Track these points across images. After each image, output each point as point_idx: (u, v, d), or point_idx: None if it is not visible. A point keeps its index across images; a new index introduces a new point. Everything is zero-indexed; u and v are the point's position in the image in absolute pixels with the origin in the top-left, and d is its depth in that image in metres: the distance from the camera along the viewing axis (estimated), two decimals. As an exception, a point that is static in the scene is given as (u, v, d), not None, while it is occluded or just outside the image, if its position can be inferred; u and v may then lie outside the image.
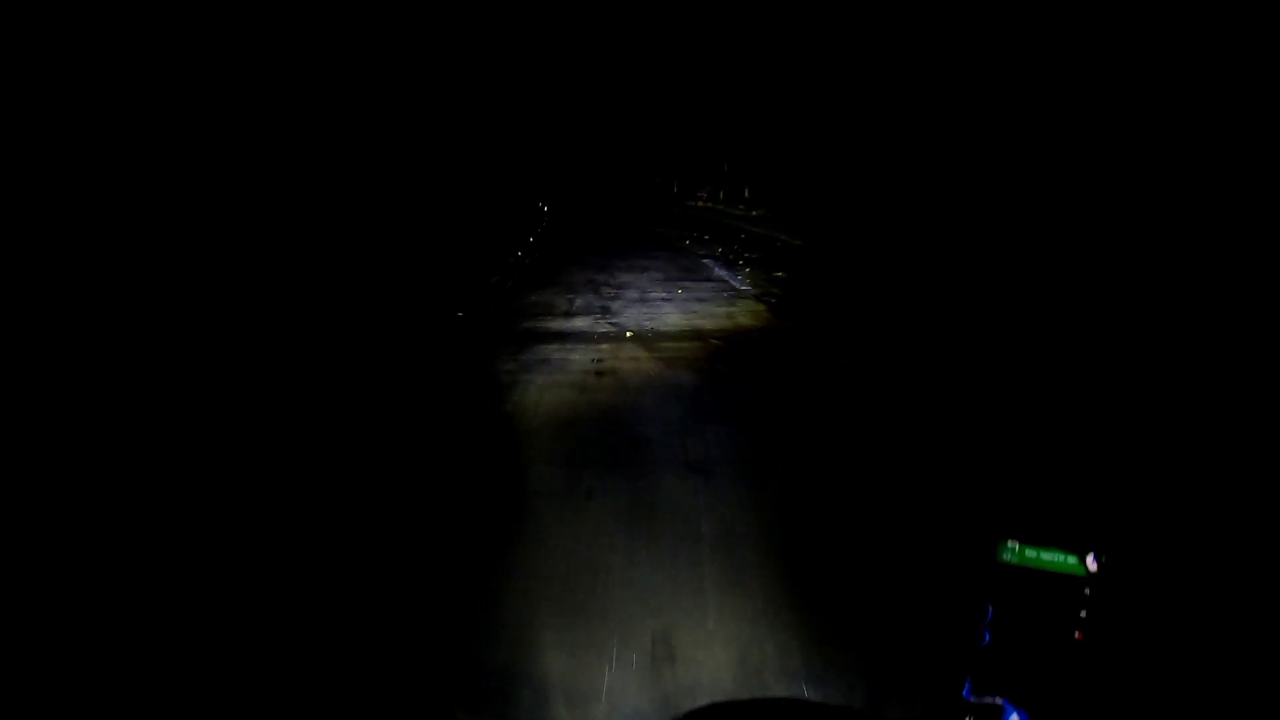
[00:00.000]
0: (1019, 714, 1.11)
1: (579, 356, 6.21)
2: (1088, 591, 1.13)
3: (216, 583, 2.89)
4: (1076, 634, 1.12)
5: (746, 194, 25.27)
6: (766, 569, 2.79)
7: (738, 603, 2.51)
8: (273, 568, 3.00)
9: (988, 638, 1.09)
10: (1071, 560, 1.12)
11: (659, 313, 8.17)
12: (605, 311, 8.22)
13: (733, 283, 10.31)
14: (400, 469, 3.97)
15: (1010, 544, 1.11)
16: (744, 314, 8.15)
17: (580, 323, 7.65)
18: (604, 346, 6.58)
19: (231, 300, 8.01)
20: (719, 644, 2.24)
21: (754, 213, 22.22)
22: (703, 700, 1.85)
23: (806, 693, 1.81)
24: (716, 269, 11.68)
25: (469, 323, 7.79)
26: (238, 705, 2.24)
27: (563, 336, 7.01)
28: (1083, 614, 1.12)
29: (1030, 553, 1.11)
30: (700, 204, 27.80)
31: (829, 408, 5.12)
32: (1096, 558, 1.13)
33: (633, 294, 9.30)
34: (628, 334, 7.11)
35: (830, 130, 18.73)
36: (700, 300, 8.90)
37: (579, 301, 8.85)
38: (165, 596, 2.86)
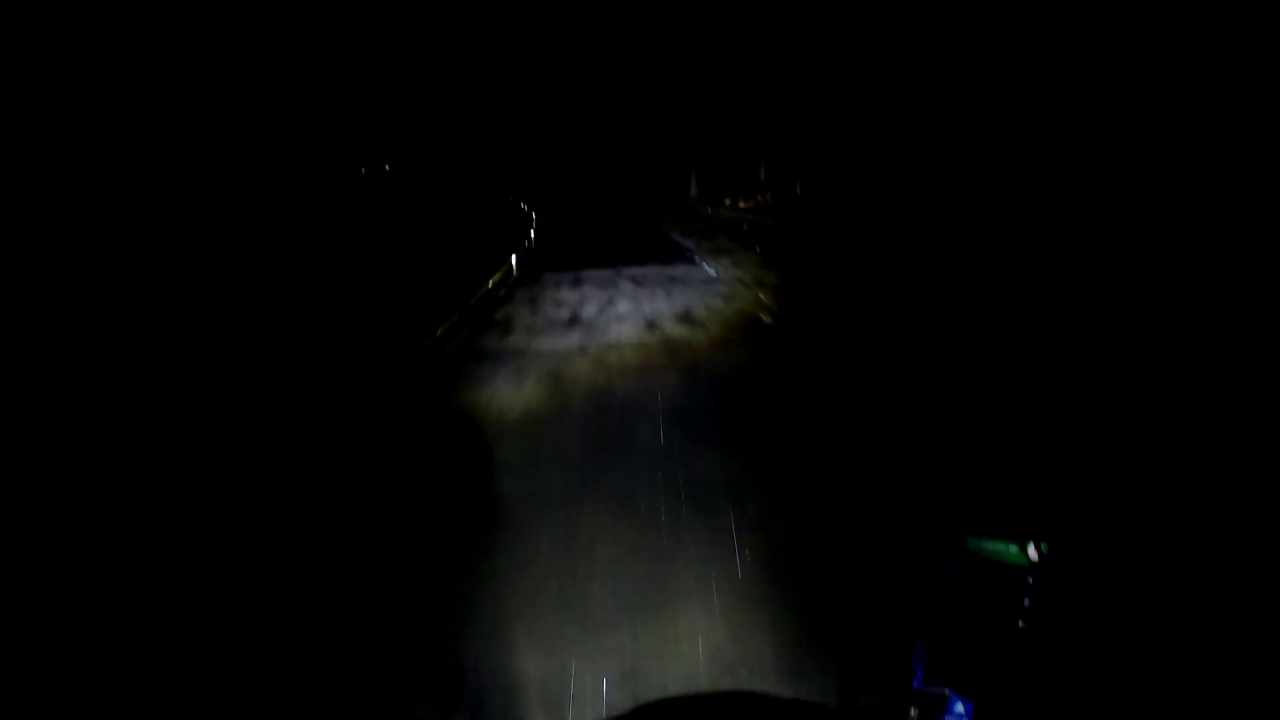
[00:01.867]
0: (964, 704, 1.11)
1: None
2: (1030, 580, 1.14)
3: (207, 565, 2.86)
4: (1020, 622, 1.13)
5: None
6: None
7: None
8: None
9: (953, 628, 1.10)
10: (1013, 549, 1.13)
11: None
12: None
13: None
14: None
15: (953, 533, 1.12)
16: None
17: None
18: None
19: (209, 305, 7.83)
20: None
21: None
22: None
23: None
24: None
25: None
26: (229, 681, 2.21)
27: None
28: (1026, 602, 1.13)
29: (974, 543, 1.12)
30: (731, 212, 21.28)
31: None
32: (1038, 547, 1.14)
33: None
34: None
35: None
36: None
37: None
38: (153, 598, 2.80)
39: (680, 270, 10.21)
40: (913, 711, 1.10)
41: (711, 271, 10.16)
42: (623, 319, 6.91)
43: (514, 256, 11.52)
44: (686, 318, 6.91)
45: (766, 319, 6.84)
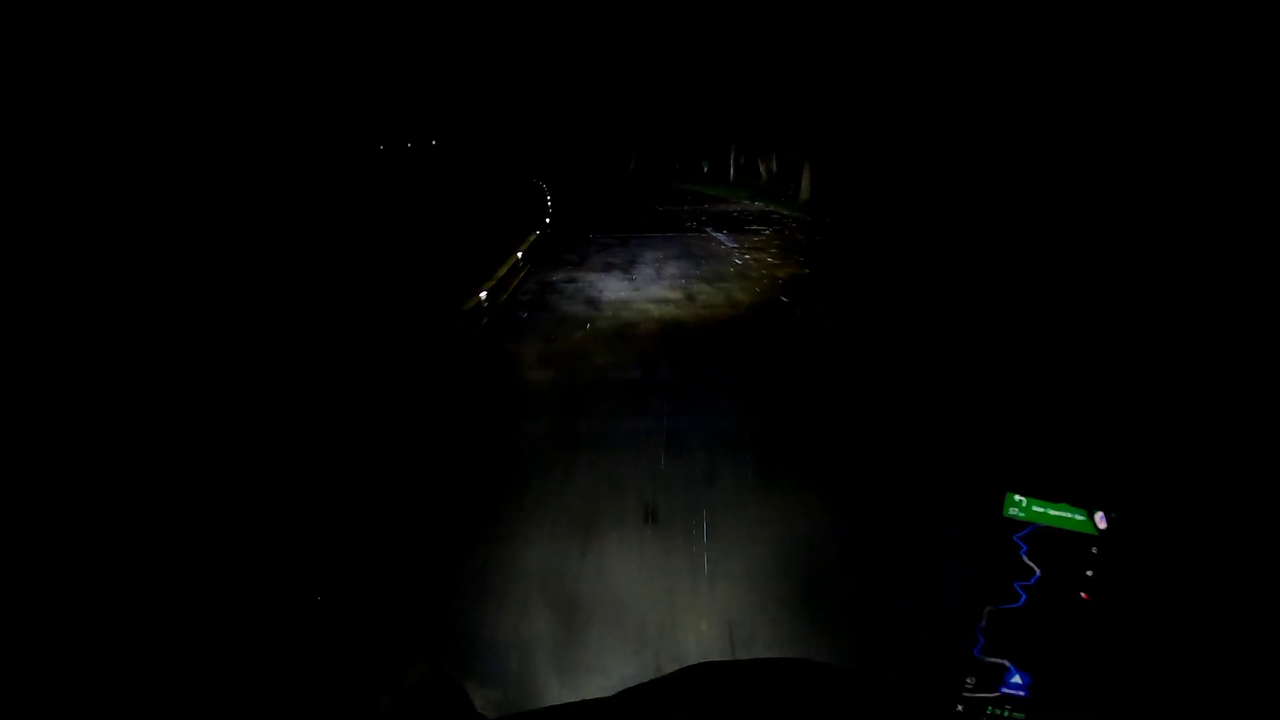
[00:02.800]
0: (1022, 675, 1.07)
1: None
2: (1095, 550, 1.08)
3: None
4: (1083, 594, 1.08)
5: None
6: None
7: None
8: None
9: (1024, 598, 1.05)
10: (1080, 517, 1.07)
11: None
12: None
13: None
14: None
15: (1017, 497, 1.06)
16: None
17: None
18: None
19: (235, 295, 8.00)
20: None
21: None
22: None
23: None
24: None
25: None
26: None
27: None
28: (1090, 574, 1.08)
29: (1037, 508, 1.06)
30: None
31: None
32: (1106, 515, 1.08)
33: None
34: None
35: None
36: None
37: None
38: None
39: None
40: (969, 680, 1.06)
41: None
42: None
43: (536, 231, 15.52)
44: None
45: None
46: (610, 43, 36.35)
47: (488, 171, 36.82)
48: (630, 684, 1.11)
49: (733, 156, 34.76)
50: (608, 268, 11.49)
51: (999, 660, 1.05)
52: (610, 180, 42.12)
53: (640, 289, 10.17)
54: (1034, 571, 1.03)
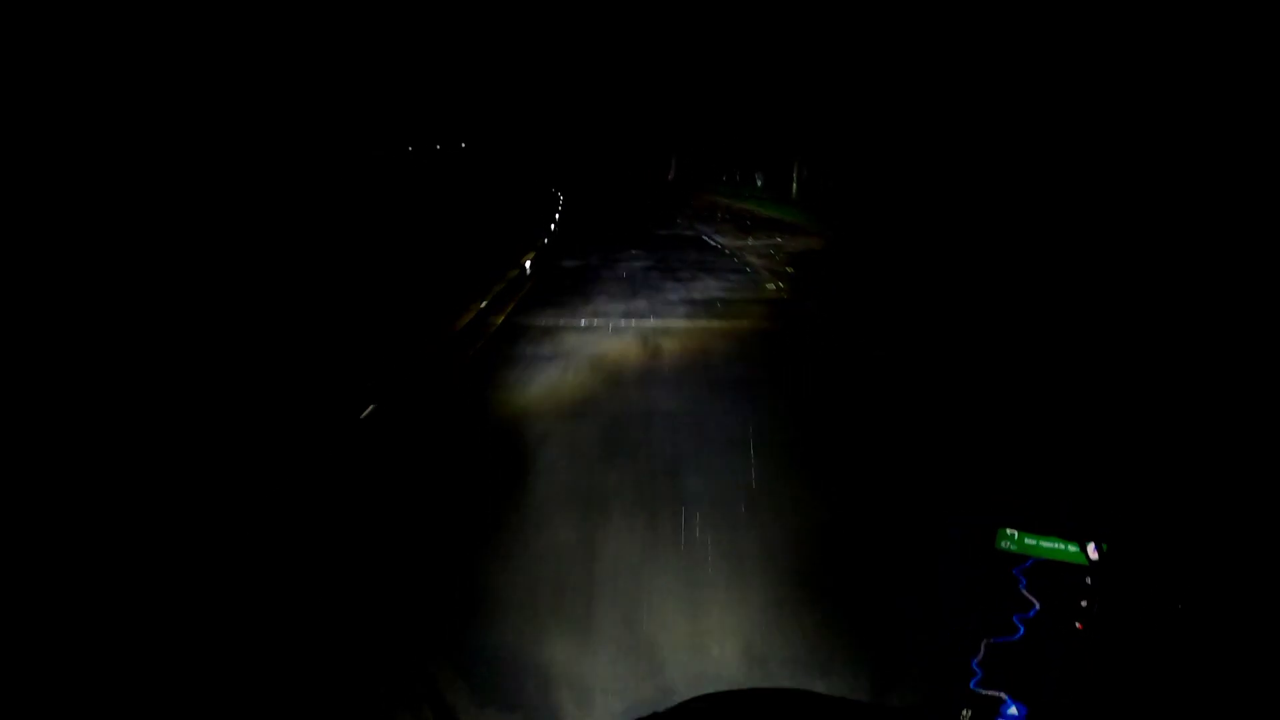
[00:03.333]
0: (1019, 707, 1.08)
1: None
2: (1089, 581, 1.10)
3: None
4: (1077, 624, 1.09)
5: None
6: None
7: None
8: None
9: (1022, 631, 1.06)
10: (1072, 549, 1.09)
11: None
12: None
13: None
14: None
15: (1009, 531, 1.08)
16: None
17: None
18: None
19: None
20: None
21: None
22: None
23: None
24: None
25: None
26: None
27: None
28: (1083, 604, 1.10)
29: (1029, 540, 1.08)
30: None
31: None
32: (1098, 546, 1.10)
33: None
34: None
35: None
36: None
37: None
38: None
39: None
40: (966, 713, 1.07)
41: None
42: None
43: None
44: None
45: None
46: (657, 41, 33.28)
47: (505, 177, 34.94)
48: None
49: (796, 171, 28.31)
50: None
51: (996, 693, 1.06)
52: (641, 189, 34.27)
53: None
54: (1033, 605, 1.04)
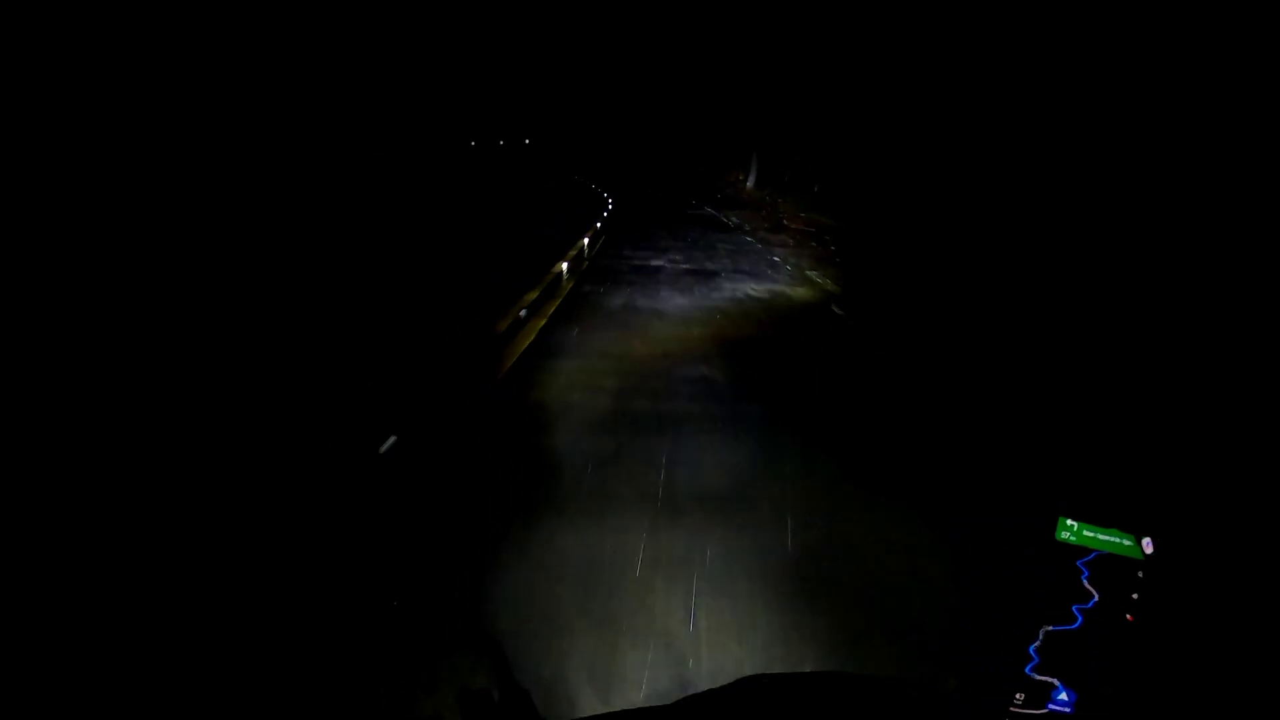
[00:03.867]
0: (1069, 693, 1.11)
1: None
2: (1141, 574, 1.12)
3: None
4: (1129, 616, 1.12)
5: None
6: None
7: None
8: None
9: (1080, 620, 1.09)
10: (1128, 542, 1.11)
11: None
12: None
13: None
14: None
15: (1069, 522, 1.11)
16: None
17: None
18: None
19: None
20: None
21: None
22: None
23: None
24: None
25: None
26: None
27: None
28: (1135, 596, 1.12)
29: (1088, 532, 1.10)
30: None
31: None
32: (1153, 540, 1.12)
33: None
34: None
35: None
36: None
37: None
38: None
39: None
40: (1019, 696, 1.11)
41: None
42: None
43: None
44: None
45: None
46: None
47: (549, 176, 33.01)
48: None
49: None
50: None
51: (1048, 679, 1.09)
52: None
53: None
54: (1092, 595, 1.07)
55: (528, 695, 1.22)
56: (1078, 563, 1.09)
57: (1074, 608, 1.09)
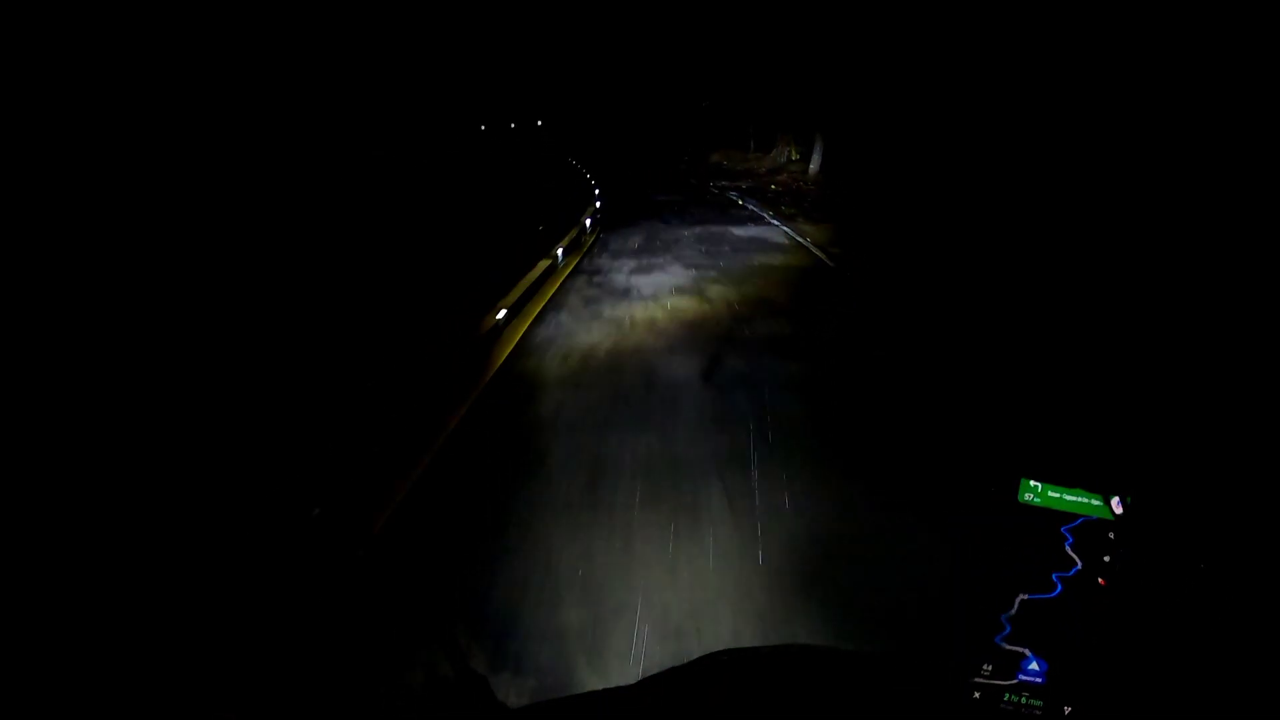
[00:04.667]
0: (1039, 662, 1.07)
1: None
2: (1112, 536, 1.07)
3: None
4: (1100, 580, 1.07)
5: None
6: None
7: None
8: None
9: (1059, 589, 1.04)
10: (1096, 502, 1.06)
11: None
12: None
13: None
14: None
15: (1032, 483, 1.05)
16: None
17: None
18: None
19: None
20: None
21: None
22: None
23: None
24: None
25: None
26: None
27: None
28: (1106, 559, 1.07)
29: (1053, 493, 1.05)
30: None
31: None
32: (1122, 500, 1.07)
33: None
34: None
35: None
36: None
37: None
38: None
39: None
40: (986, 667, 1.06)
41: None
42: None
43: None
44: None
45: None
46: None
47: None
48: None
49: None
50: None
51: (1019, 648, 1.05)
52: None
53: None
54: (1075, 563, 1.02)
55: (486, 682, 1.17)
56: (1061, 529, 1.04)
57: (1054, 575, 1.04)
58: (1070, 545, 1.04)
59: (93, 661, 2.53)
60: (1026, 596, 1.04)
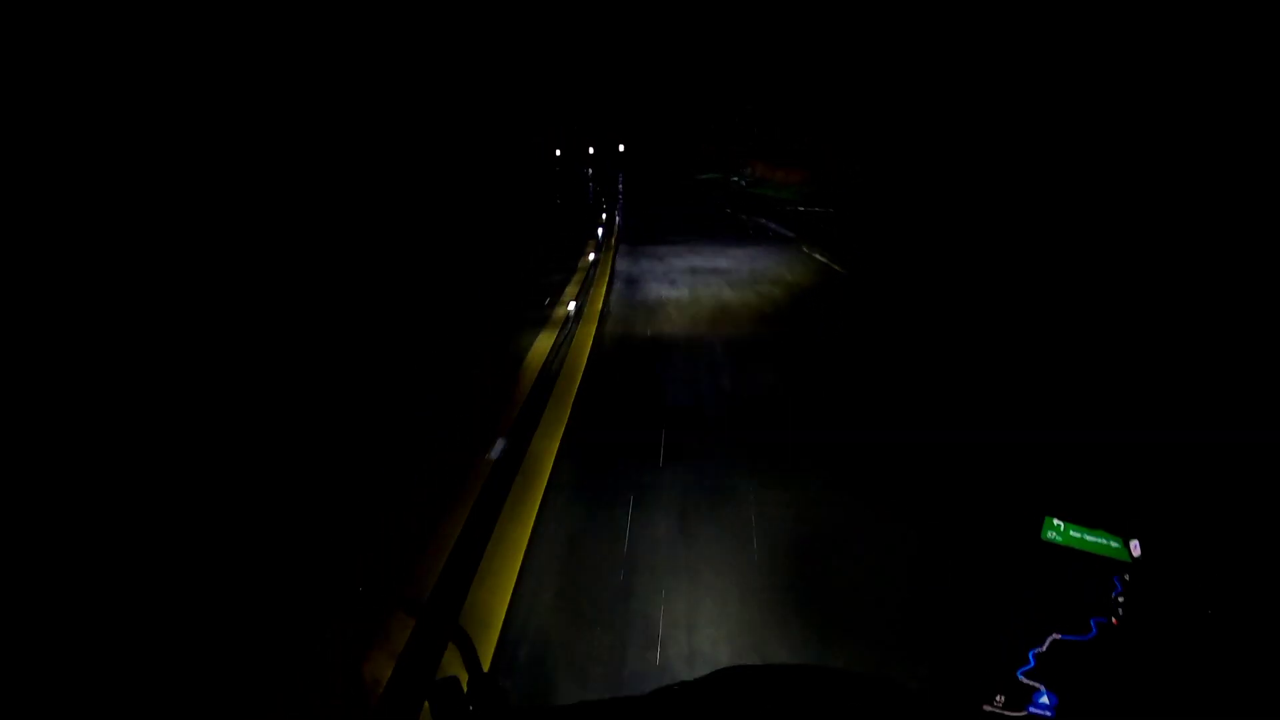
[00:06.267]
0: (1050, 696, 1.09)
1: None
2: (1127, 577, 1.10)
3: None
4: (1112, 619, 1.10)
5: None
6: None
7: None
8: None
9: (1094, 633, 1.07)
10: (1115, 544, 1.09)
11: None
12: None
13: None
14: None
15: (1055, 522, 1.08)
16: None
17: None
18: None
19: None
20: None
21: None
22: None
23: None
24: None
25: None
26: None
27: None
28: (1120, 599, 1.10)
29: (1074, 533, 1.08)
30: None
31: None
32: (1140, 544, 1.10)
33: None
34: None
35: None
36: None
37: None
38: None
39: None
40: (999, 698, 1.08)
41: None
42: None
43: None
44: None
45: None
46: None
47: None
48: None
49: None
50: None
51: (1034, 683, 1.07)
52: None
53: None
54: (1123, 613, 1.04)
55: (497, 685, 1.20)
56: (1114, 578, 1.06)
57: (1091, 620, 1.06)
58: (1117, 594, 1.06)
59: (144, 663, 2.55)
60: (1060, 637, 1.07)
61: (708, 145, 39.48)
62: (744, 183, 32.31)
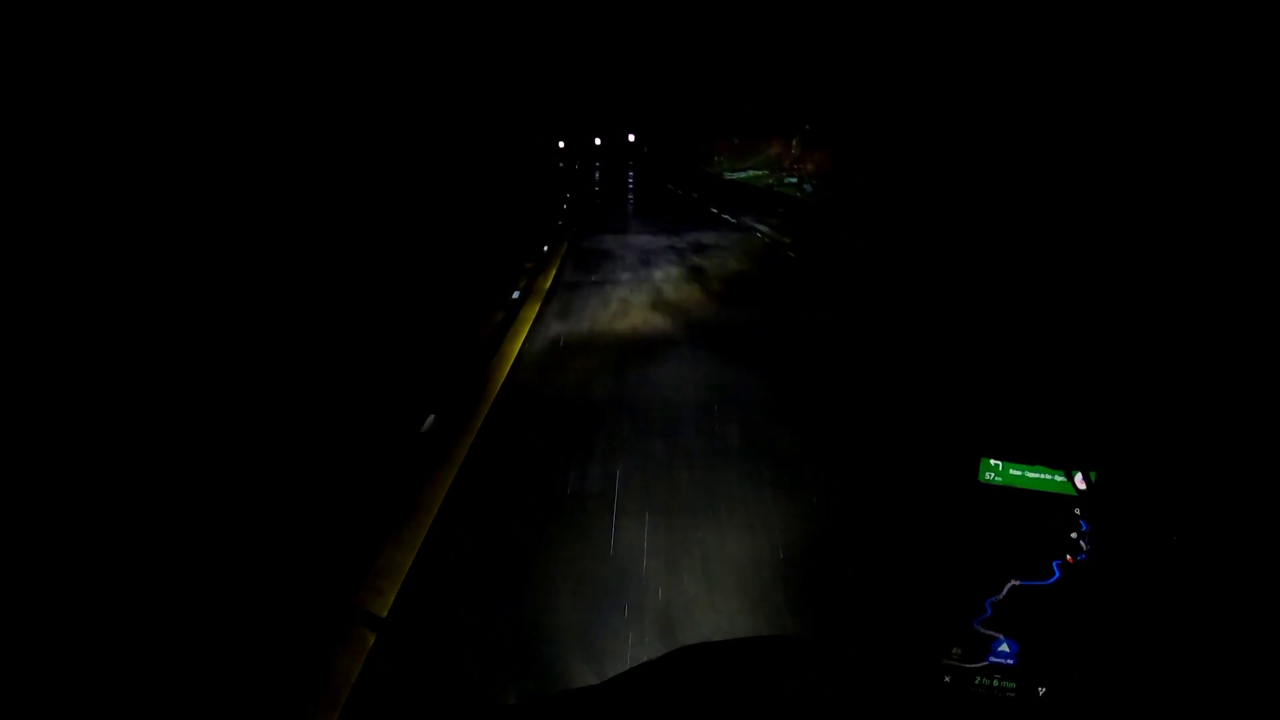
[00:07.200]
0: (1010, 644, 1.05)
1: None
2: (1077, 512, 1.06)
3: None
4: (1067, 558, 1.06)
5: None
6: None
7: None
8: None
9: (1056, 575, 1.02)
10: (1059, 479, 1.05)
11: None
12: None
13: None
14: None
15: (992, 462, 1.04)
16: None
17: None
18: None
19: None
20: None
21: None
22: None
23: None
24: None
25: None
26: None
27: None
28: (1072, 536, 1.06)
29: (1014, 471, 1.04)
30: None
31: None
32: (1086, 475, 1.06)
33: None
34: None
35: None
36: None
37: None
38: None
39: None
40: (956, 650, 1.04)
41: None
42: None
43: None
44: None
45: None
46: None
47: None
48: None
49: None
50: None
51: (992, 632, 1.03)
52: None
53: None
54: (1082, 551, 1.00)
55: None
56: (1075, 516, 1.02)
57: (1054, 563, 1.02)
58: (1084, 530, 1.03)
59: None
60: (1019, 582, 1.03)
61: (706, 145, 40.29)
62: (726, 176, 33.01)
